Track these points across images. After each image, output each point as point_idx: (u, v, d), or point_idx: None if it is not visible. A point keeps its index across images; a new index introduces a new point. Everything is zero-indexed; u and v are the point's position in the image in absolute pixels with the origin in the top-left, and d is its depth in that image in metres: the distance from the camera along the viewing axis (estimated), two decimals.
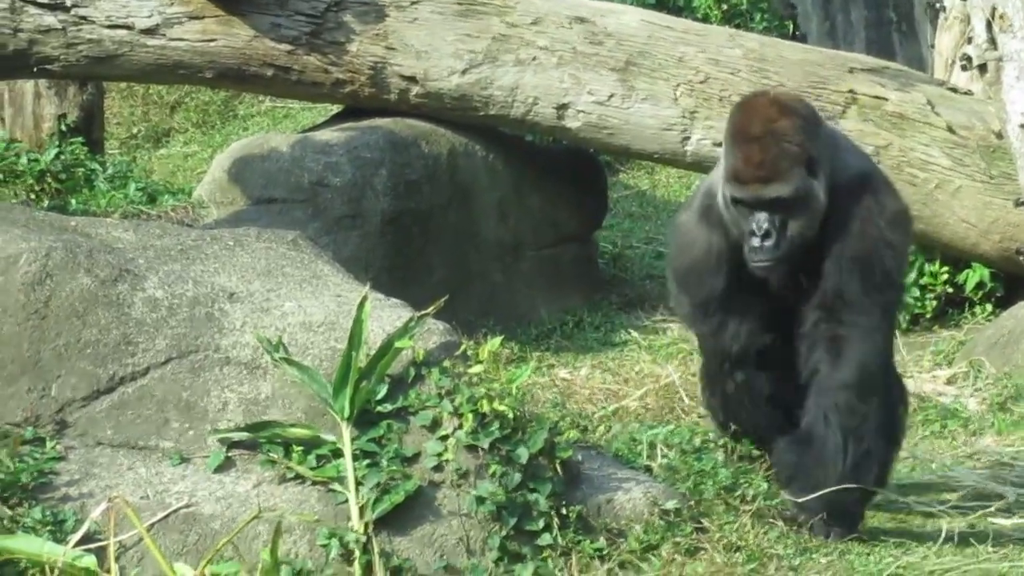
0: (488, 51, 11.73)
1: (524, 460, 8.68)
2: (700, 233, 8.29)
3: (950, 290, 14.04)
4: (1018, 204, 12.70)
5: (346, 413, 8.92)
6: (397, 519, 8.89)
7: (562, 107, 11.71)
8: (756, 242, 7.98)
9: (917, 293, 13.79)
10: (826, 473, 8.23)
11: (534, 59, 11.73)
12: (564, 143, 12.26)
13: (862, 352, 8.03)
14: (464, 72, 11.70)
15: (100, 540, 8.49)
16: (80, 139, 14.11)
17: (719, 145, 11.21)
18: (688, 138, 11.52)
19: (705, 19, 18.26)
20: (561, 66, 11.72)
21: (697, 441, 9.12)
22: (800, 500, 8.42)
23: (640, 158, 13.37)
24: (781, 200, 7.89)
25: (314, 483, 8.94)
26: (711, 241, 8.22)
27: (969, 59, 13.23)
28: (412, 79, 11.74)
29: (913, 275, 13.66)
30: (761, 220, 7.90)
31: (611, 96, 11.63)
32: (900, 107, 12.68)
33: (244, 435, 9.10)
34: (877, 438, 8.13)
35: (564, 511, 8.70)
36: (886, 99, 12.72)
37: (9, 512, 8.56)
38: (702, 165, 11.93)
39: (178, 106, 17.34)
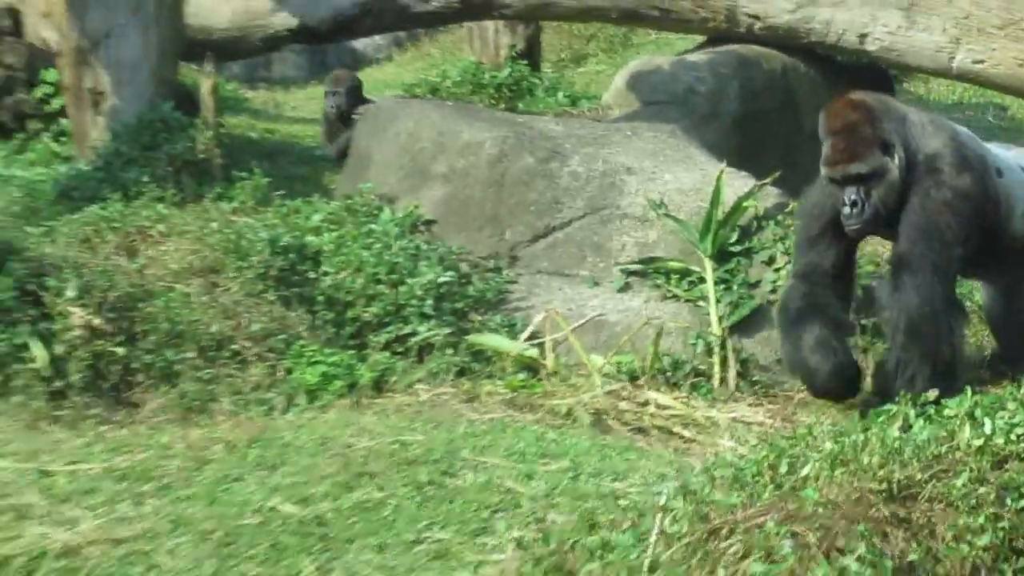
0: None
1: None
2: (816, 197, 8.14)
3: None
4: None
5: (709, 252, 9.03)
6: (744, 326, 8.95)
7: (863, 36, 11.53)
8: (847, 211, 7.75)
9: None
10: (889, 388, 7.83)
11: (844, 1, 11.61)
12: (864, 61, 12.08)
13: (909, 303, 7.60)
14: (793, 11, 11.58)
15: (540, 338, 8.67)
16: (524, 62, 14.28)
17: (977, 63, 11.22)
18: (953, 58, 11.24)
19: None
20: (863, 6, 11.53)
21: None
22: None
23: (918, 72, 13.08)
24: (861, 176, 7.63)
25: (685, 300, 9.06)
26: (822, 205, 8.09)
27: None
28: (756, 17, 11.69)
29: None
30: (850, 193, 7.67)
31: (898, 27, 11.44)
32: None
33: (637, 267, 9.29)
34: (921, 364, 7.64)
35: None
36: None
37: (479, 318, 8.81)
38: (964, 78, 11.75)
39: (592, 38, 17.31)
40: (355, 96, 12.65)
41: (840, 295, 8.20)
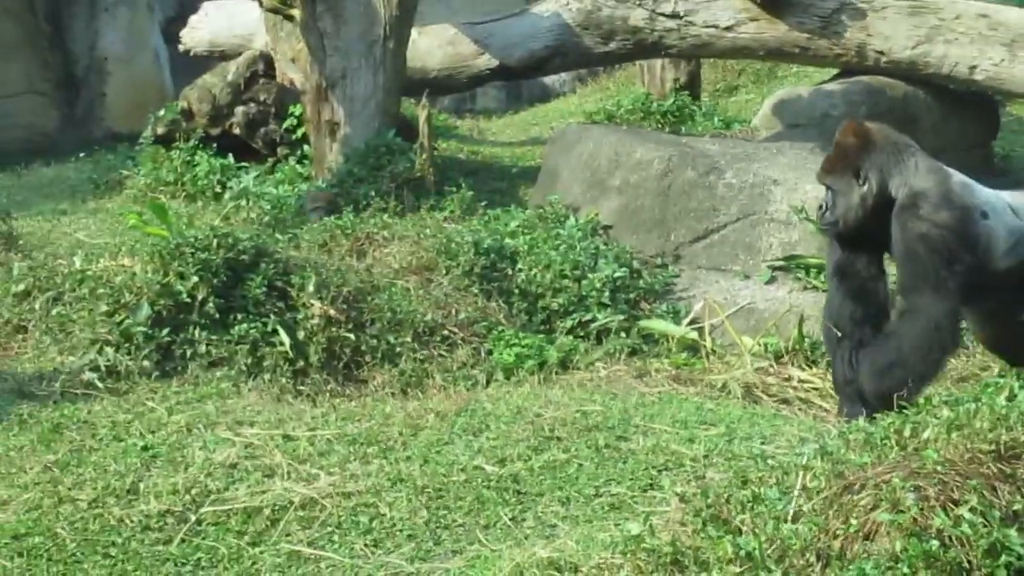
0: (927, 35, 11.45)
1: None
2: None
3: None
4: None
5: None
6: None
7: (972, 68, 11.32)
8: (818, 210, 7.45)
9: None
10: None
11: (956, 39, 11.39)
12: (972, 89, 11.86)
13: (906, 329, 7.05)
14: (913, 48, 11.39)
15: (699, 323, 8.61)
16: (686, 92, 14.18)
17: None
18: None
19: None
20: (972, 43, 11.35)
21: None
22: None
23: (1019, 97, 12.84)
24: (830, 187, 7.29)
25: (823, 291, 8.68)
26: None
27: None
28: (881, 53, 11.50)
29: None
30: (824, 197, 7.35)
31: (1002, 60, 11.25)
32: None
33: (782, 263, 9.14)
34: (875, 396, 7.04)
35: None
36: None
37: (648, 307, 8.72)
38: None
39: (743, 71, 17.19)
40: None
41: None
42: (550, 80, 18.36)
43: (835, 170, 7.37)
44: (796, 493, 4.64)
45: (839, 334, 7.29)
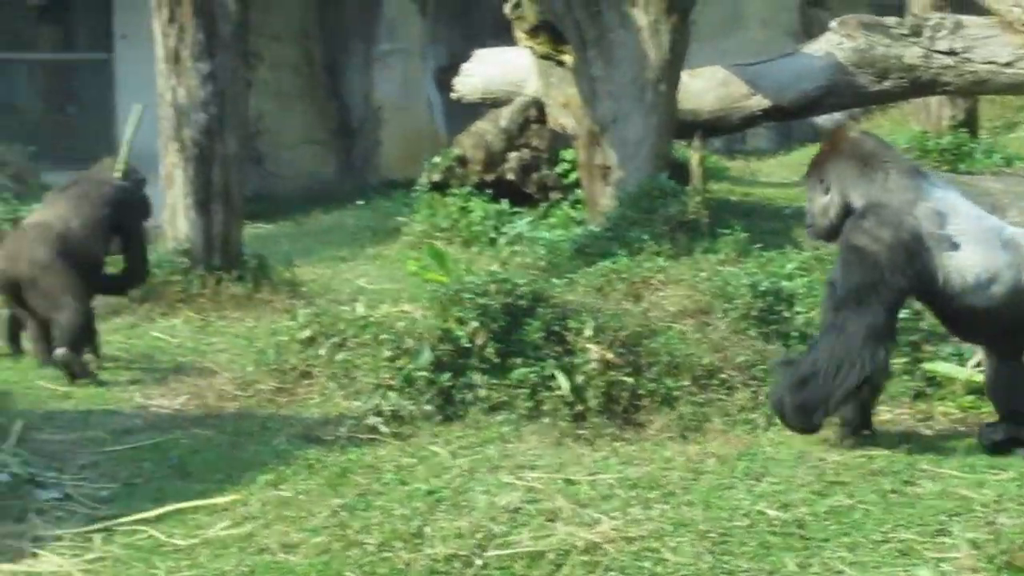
0: None
1: None
2: None
3: None
4: None
5: None
6: None
7: None
8: None
9: None
10: None
11: None
12: None
13: (823, 344, 6.91)
14: None
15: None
16: (964, 130, 13.98)
17: None
18: None
19: None
20: None
21: None
22: None
23: None
24: (805, 192, 7.28)
25: None
26: None
27: None
28: None
29: None
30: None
31: None
32: None
33: None
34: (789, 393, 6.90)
35: None
36: None
37: (931, 349, 8.34)
38: None
39: (1022, 107, 16.86)
40: None
41: None
42: (821, 118, 18.19)
43: (808, 176, 7.31)
44: None
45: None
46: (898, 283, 6.87)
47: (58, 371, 8.52)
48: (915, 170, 7.18)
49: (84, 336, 8.68)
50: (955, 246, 6.92)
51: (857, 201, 7.05)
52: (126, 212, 9.15)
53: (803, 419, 6.92)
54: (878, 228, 6.89)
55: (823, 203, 7.20)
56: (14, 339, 9.15)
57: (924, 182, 7.06)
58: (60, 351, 8.48)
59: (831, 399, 6.86)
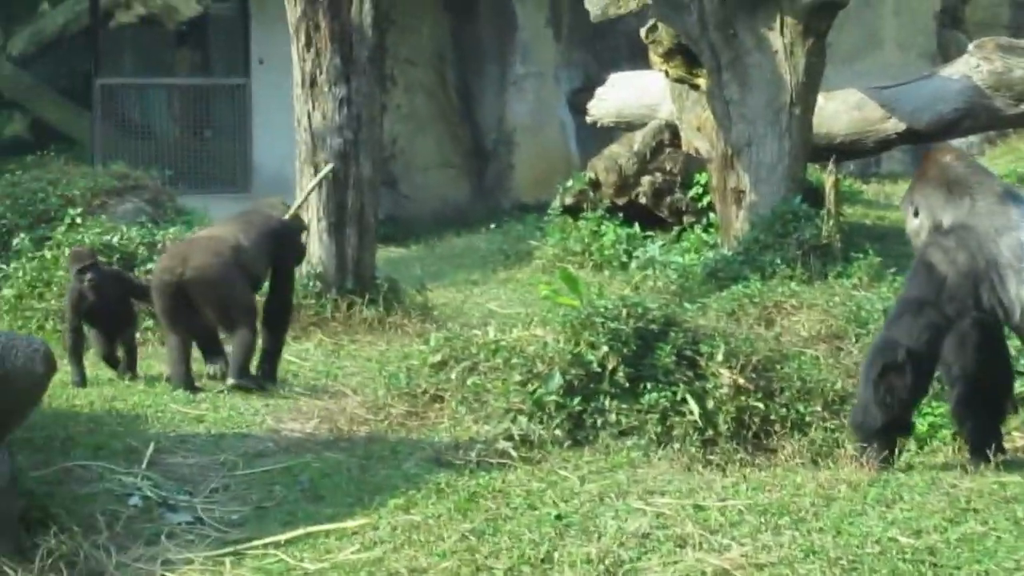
0: None
1: None
2: None
3: None
4: None
5: None
6: None
7: None
8: None
9: None
10: None
11: None
12: None
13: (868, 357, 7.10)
14: None
15: None
16: None
17: None
18: None
19: None
20: None
21: None
22: None
23: None
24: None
25: None
26: None
27: None
28: None
29: None
30: None
31: None
32: None
33: None
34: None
35: None
36: None
37: None
38: None
39: None
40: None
41: None
42: (956, 142, 17.98)
43: (903, 200, 7.34)
44: None
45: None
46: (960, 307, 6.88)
47: (189, 394, 8.69)
48: (1009, 195, 7.09)
49: (249, 360, 8.90)
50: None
51: (947, 223, 7.04)
52: (286, 246, 9.30)
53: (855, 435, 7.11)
54: (956, 250, 6.90)
55: (914, 226, 7.23)
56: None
57: (1017, 209, 6.98)
58: (231, 380, 8.76)
59: (872, 416, 6.98)
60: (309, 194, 9.67)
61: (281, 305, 9.30)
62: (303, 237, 9.72)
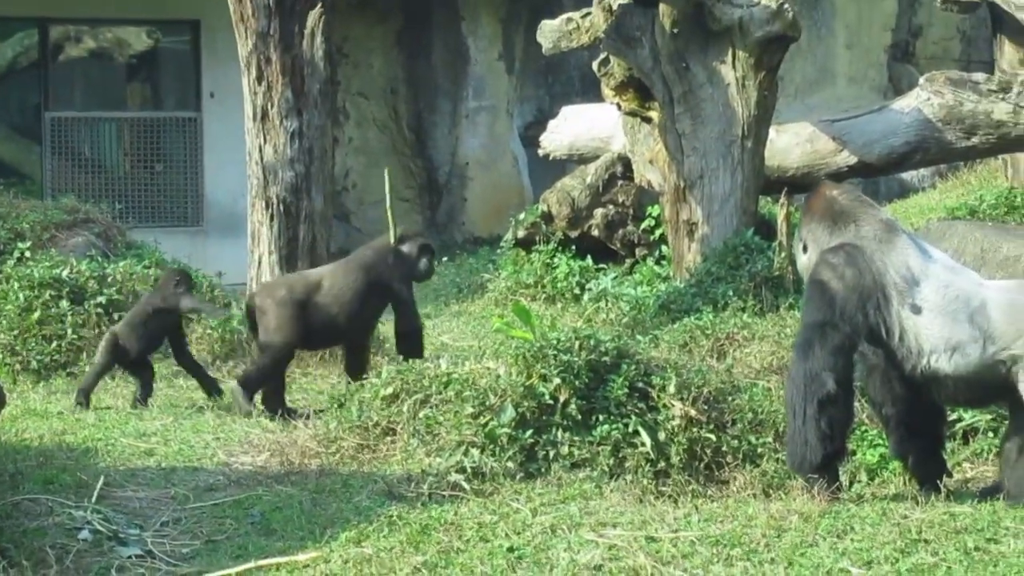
0: None
1: None
2: None
3: None
4: None
5: None
6: None
7: None
8: None
9: None
10: None
11: None
12: None
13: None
14: None
15: None
16: None
17: None
18: None
19: None
20: None
21: None
22: None
23: None
24: None
25: None
26: None
27: None
28: None
29: None
30: None
31: None
32: None
33: None
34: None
35: None
36: None
37: None
38: None
39: None
40: None
41: None
42: (908, 175, 18.15)
43: (795, 237, 7.50)
44: None
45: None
46: (844, 333, 6.97)
47: (142, 428, 8.72)
48: (893, 225, 7.22)
49: (260, 383, 9.29)
50: (917, 309, 6.99)
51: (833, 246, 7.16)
52: (383, 273, 9.62)
53: (798, 473, 7.14)
54: (843, 266, 6.99)
55: (804, 262, 7.35)
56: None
57: (901, 237, 7.12)
58: (233, 383, 9.30)
59: (805, 455, 7.02)
60: (392, 209, 9.68)
61: (403, 328, 9.75)
62: (424, 249, 9.82)
